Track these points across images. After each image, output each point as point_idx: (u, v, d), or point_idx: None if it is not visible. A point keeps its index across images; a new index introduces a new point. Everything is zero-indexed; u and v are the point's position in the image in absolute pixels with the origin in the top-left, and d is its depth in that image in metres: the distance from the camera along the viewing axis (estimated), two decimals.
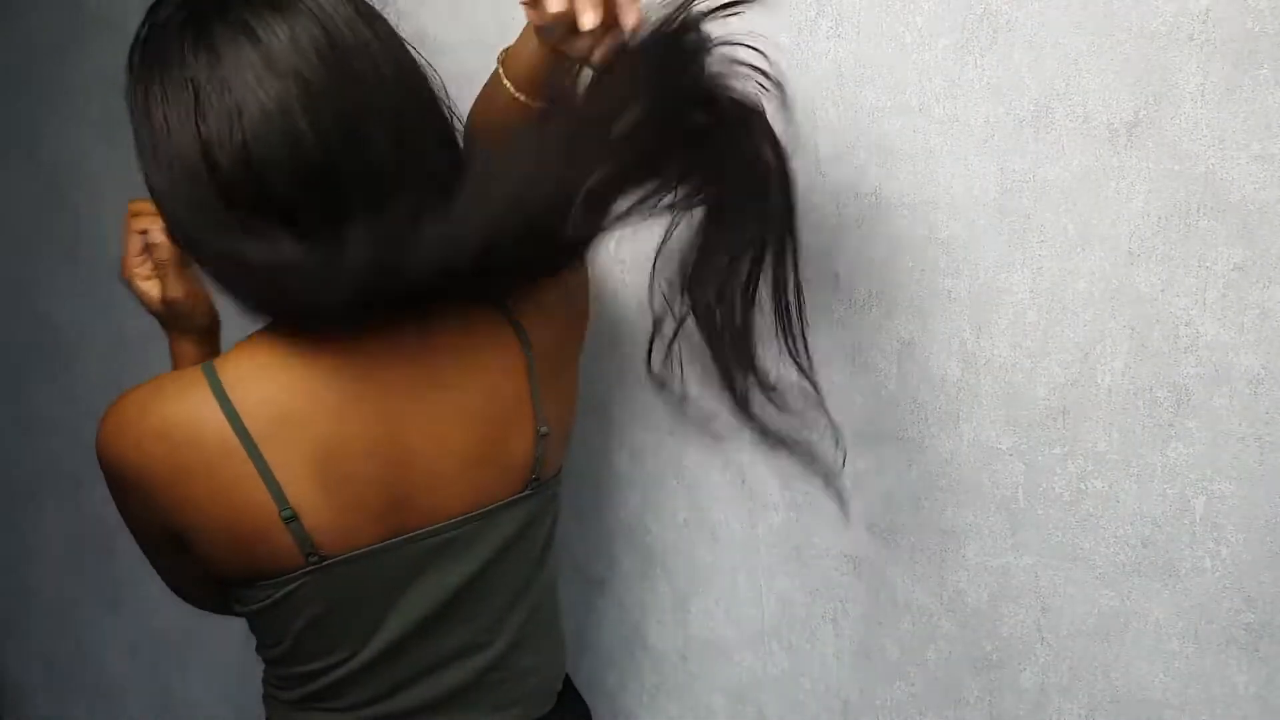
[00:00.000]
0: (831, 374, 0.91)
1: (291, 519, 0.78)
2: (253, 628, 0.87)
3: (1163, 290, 0.74)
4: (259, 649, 0.89)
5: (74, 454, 1.89)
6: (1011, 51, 0.78)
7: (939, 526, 0.87)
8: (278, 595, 0.81)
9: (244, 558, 0.79)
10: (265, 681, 0.92)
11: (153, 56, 0.75)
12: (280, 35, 0.72)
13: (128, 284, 0.95)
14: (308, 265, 0.72)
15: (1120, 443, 0.77)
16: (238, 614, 0.87)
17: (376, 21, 0.76)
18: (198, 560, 0.82)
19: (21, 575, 2.10)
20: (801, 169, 0.90)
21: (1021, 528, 0.83)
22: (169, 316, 0.96)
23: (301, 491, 0.78)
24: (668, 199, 0.75)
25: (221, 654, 1.64)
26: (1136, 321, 0.76)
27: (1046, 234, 0.79)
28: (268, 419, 0.77)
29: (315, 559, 0.79)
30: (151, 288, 0.94)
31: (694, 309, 0.78)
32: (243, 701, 1.63)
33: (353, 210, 0.72)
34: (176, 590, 0.94)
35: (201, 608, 0.95)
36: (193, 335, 0.98)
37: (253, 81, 0.71)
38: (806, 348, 0.82)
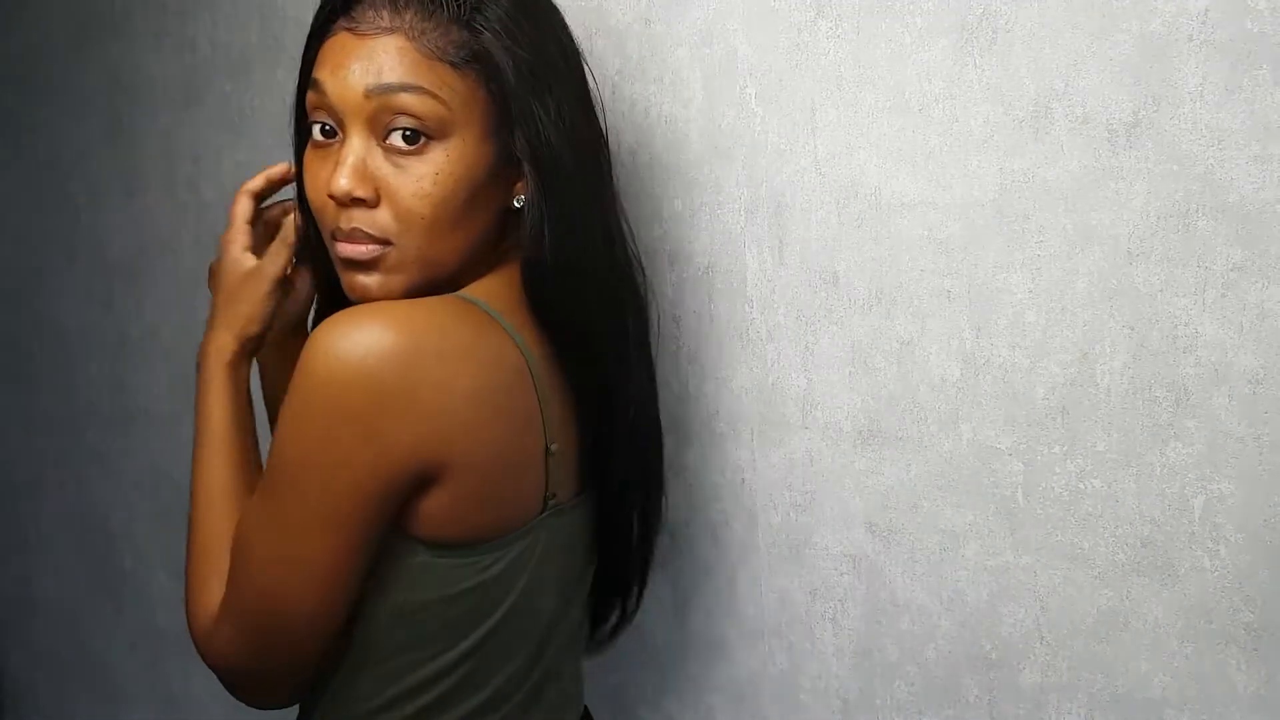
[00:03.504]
0: (831, 374, 0.91)
1: (552, 454, 0.78)
2: (413, 640, 0.78)
3: (1162, 290, 0.74)
4: (392, 679, 0.78)
5: (75, 453, 1.90)
6: (1011, 52, 0.79)
7: (939, 526, 0.87)
8: (513, 553, 0.78)
9: (501, 497, 0.77)
10: None
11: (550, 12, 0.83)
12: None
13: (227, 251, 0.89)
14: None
15: (1119, 442, 0.78)
16: (379, 639, 0.78)
17: None
18: (434, 521, 0.74)
19: (22, 574, 2.10)
20: (801, 169, 0.91)
21: (1021, 527, 0.83)
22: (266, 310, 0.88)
23: (554, 428, 0.79)
24: None
25: None
26: (1136, 321, 0.76)
27: (1046, 234, 0.79)
28: (535, 348, 0.78)
29: (553, 502, 0.80)
30: (272, 261, 0.87)
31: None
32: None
33: None
34: (266, 645, 0.76)
35: (281, 683, 0.78)
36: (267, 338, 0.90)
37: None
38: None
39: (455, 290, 0.81)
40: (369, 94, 0.75)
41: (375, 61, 0.76)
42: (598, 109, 0.86)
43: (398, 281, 0.78)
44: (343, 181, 0.76)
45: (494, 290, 0.80)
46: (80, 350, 1.84)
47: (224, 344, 0.85)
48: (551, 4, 0.84)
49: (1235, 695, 0.75)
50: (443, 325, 0.73)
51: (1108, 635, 0.80)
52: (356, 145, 0.76)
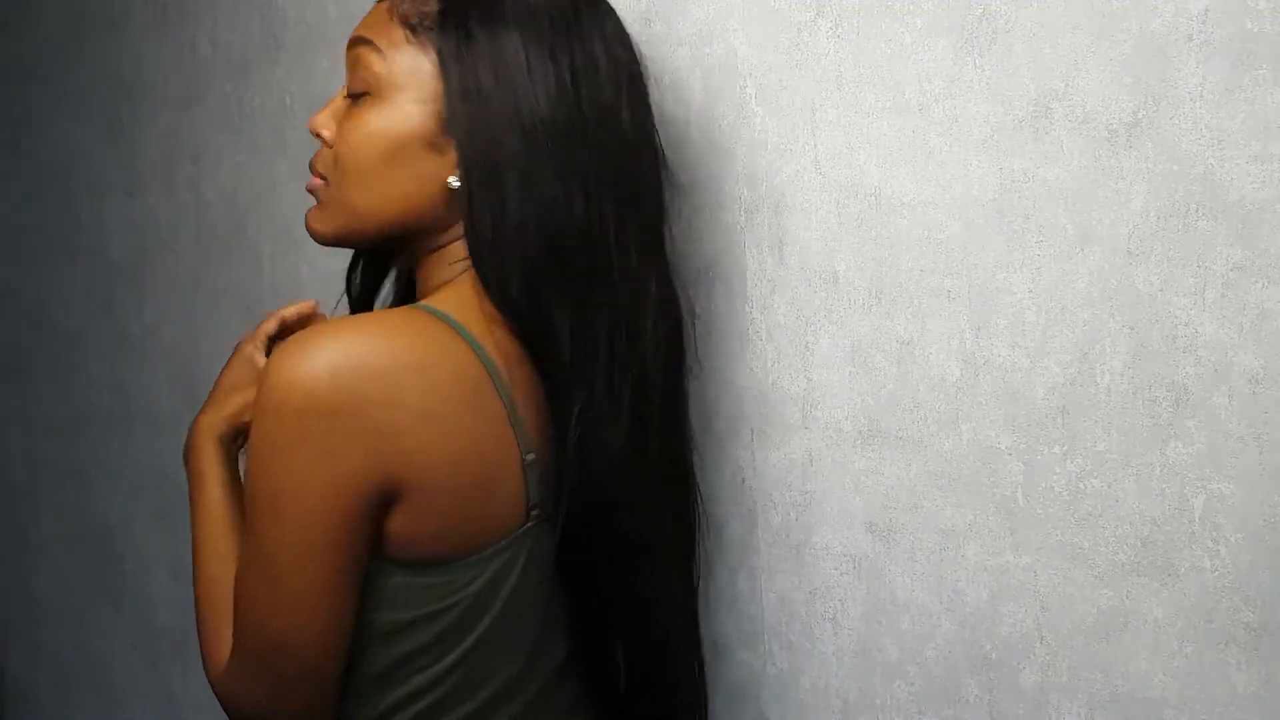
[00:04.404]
0: (831, 374, 0.91)
1: (529, 465, 0.77)
2: (404, 654, 0.78)
3: (1161, 290, 0.74)
4: (389, 687, 0.78)
5: (74, 454, 1.90)
6: (1011, 52, 0.79)
7: (938, 526, 0.87)
8: (489, 571, 0.77)
9: (470, 513, 0.75)
10: None
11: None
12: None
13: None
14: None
15: (1119, 442, 0.78)
16: (373, 654, 0.77)
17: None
18: (402, 541, 0.74)
19: (22, 575, 2.10)
20: (801, 169, 0.91)
21: (1021, 527, 0.83)
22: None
23: (531, 438, 0.78)
24: None
25: None
26: (1135, 321, 0.76)
27: (1046, 234, 0.79)
28: (503, 358, 0.77)
29: (536, 512, 0.78)
30: None
31: None
32: None
33: None
34: (274, 681, 0.75)
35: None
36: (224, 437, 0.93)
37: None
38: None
39: (420, 296, 0.84)
40: (349, 46, 0.83)
41: (365, 20, 0.83)
42: (623, 106, 0.82)
43: (325, 218, 0.84)
44: (314, 119, 0.84)
45: (461, 298, 0.79)
46: (80, 350, 1.84)
47: (214, 422, 0.91)
48: None
49: (1235, 695, 0.75)
50: (390, 342, 0.72)
51: (1108, 635, 0.80)
52: (342, 92, 0.84)
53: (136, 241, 1.69)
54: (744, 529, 1.00)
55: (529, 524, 0.79)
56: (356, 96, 0.81)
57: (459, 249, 0.82)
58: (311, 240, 0.86)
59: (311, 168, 0.85)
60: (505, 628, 0.80)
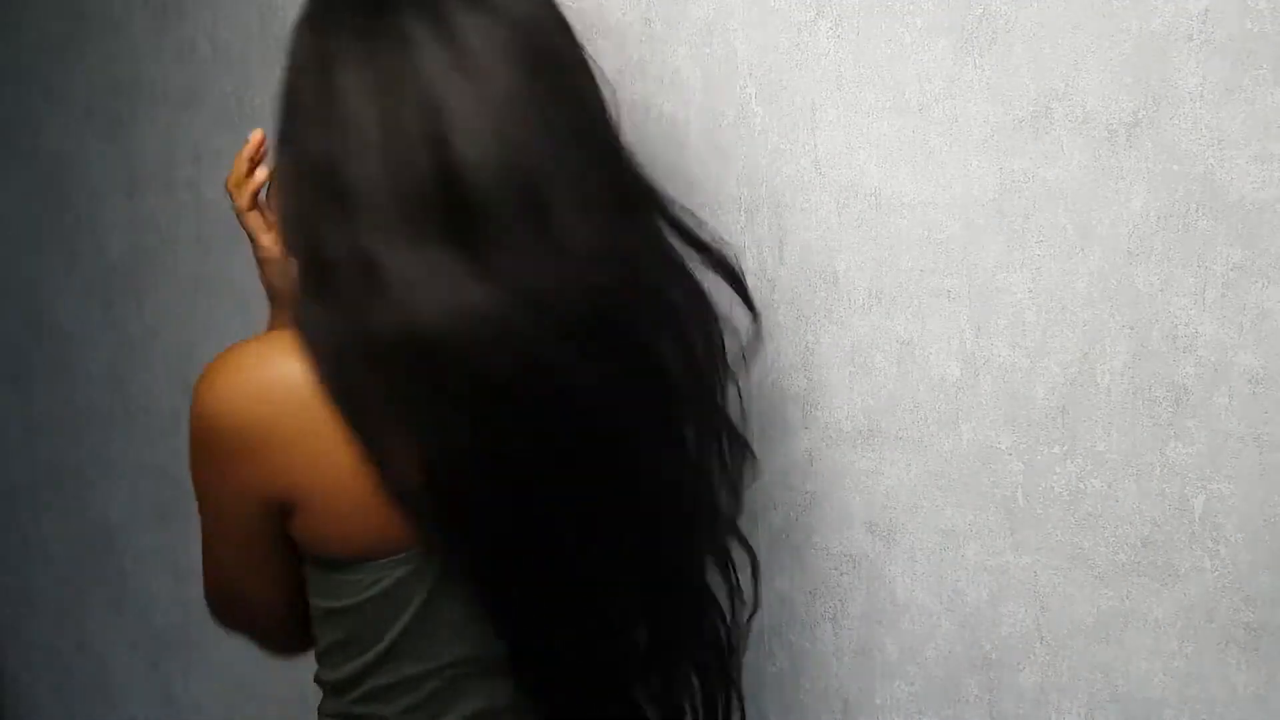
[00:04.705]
0: (831, 374, 0.91)
1: None
2: (336, 640, 0.81)
3: (1161, 290, 0.74)
4: (331, 668, 0.82)
5: (74, 454, 1.89)
6: (1011, 52, 0.79)
7: (939, 526, 0.87)
8: (394, 576, 0.77)
9: (370, 524, 0.75)
10: (334, 717, 0.84)
11: (343, 10, 0.75)
12: (479, 35, 0.72)
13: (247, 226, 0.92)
14: (471, 298, 0.70)
15: (1119, 442, 0.78)
16: (317, 631, 0.82)
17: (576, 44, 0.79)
18: (303, 541, 0.77)
19: (22, 575, 2.10)
20: (801, 169, 0.91)
21: (1021, 527, 0.83)
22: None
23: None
24: None
25: (222, 653, 1.64)
26: (1135, 321, 0.76)
27: (1046, 234, 0.79)
28: None
29: None
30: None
31: None
32: (243, 701, 1.63)
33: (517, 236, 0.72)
34: (239, 619, 0.86)
35: (269, 642, 0.87)
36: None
37: (454, 79, 0.71)
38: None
39: None
40: None
41: None
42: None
43: None
44: None
45: None
46: (80, 350, 1.84)
47: None
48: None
49: (1235, 695, 0.75)
50: (279, 364, 0.73)
51: (1107, 635, 0.80)
52: None
53: (136, 241, 1.69)
54: (744, 529, 1.00)
55: None
56: None
57: None
58: None
59: None
60: (421, 634, 0.80)
